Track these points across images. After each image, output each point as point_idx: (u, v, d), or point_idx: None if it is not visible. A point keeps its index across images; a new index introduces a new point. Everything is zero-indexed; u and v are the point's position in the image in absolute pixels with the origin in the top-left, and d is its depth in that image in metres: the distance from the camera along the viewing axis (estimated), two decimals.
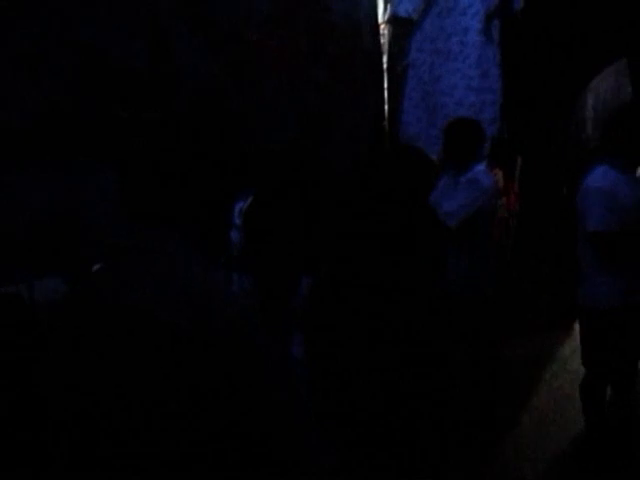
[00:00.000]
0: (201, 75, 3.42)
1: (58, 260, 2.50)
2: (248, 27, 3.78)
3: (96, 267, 1.49)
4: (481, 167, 3.50)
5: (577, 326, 3.24)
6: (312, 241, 2.96)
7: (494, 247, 3.94)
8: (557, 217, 5.15)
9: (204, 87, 3.41)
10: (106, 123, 2.74)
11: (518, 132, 5.02)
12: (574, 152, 5.54)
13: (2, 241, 2.41)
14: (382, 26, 5.05)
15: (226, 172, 3.07)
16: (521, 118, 5.00)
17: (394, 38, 5.05)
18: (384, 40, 5.05)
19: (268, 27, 3.91)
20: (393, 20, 5.03)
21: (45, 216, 2.55)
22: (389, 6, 5.01)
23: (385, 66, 5.03)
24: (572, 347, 4.23)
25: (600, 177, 2.88)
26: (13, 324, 1.89)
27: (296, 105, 3.90)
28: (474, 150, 3.48)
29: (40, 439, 1.28)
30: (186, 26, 3.44)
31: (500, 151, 4.80)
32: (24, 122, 2.57)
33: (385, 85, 5.00)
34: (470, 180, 3.38)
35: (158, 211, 1.53)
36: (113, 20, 2.84)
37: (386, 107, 4.97)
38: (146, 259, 1.43)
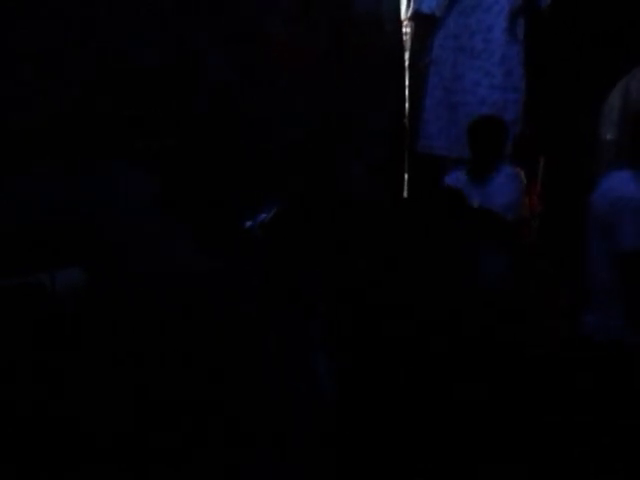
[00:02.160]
0: (219, 74, 3.42)
1: (77, 250, 2.54)
2: (267, 25, 3.77)
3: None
4: (507, 165, 3.53)
5: None
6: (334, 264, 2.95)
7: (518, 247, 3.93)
8: (581, 219, 5.05)
9: (221, 87, 3.42)
10: (120, 122, 2.77)
11: (541, 131, 4.94)
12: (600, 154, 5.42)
13: (22, 233, 2.45)
14: (405, 23, 5.01)
15: (238, 172, 3.08)
16: (545, 117, 4.92)
17: (416, 35, 5.01)
18: (406, 37, 5.02)
19: (288, 25, 3.90)
20: (416, 17, 4.98)
21: (62, 209, 2.59)
22: (412, 3, 4.97)
23: (407, 63, 5.00)
24: None
25: (625, 183, 2.52)
26: (37, 314, 1.92)
27: (314, 104, 3.89)
28: (501, 149, 3.47)
29: (64, 425, 1.30)
30: (205, 24, 3.45)
31: (522, 150, 4.74)
32: (38, 121, 2.60)
33: (406, 83, 4.97)
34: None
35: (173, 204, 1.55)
36: (129, 19, 2.86)
37: (407, 105, 4.94)
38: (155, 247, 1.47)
